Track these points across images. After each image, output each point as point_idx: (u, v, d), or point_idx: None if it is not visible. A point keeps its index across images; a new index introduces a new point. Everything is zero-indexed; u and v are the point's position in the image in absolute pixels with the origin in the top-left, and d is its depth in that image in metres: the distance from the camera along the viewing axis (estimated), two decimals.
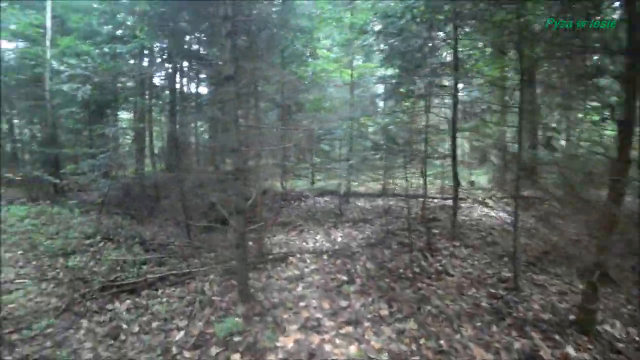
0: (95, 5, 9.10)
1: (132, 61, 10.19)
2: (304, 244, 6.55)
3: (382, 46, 7.98)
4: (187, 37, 8.42)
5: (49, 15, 8.99)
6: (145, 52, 10.21)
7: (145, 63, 10.60)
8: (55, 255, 5.68)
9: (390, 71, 9.39)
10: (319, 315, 4.09)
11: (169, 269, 5.30)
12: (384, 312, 4.12)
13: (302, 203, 9.54)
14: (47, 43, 8.86)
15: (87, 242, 6.17)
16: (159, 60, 10.54)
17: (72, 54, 8.52)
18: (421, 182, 8.52)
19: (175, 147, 8.39)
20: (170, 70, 10.41)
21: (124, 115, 12.43)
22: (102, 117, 9.82)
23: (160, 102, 11.06)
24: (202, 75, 10.83)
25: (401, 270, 5.19)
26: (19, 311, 4.22)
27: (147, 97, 10.25)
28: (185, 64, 10.35)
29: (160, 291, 4.71)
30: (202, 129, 11.37)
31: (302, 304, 4.33)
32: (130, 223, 7.52)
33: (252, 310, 4.05)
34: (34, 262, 5.46)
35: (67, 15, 9.18)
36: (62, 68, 8.83)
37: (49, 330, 3.92)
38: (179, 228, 7.17)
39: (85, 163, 7.54)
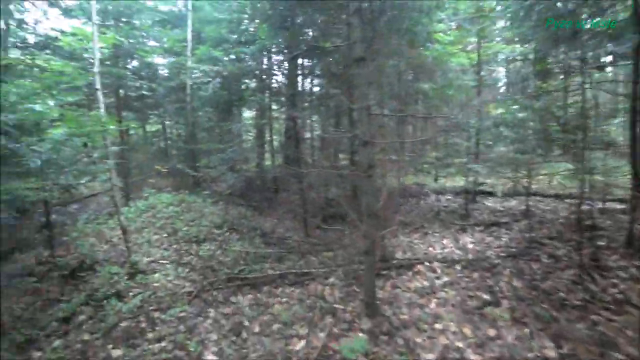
0: (224, 17, 9.93)
1: (253, 63, 10.91)
2: (430, 249, 5.63)
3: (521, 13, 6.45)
4: (306, 31, 8.37)
5: (189, 29, 10.25)
6: (265, 53, 10.74)
7: (264, 65, 11.19)
8: (190, 241, 6.18)
9: (523, 49, 7.70)
10: (460, 344, 3.29)
11: (288, 267, 5.14)
12: (550, 352, 3.10)
13: (422, 201, 8.51)
14: (188, 53, 10.09)
15: (216, 231, 6.58)
16: (277, 58, 10.99)
17: (206, 60, 9.49)
18: (573, 179, 6.61)
19: (292, 141, 8.47)
20: (287, 70, 10.71)
21: (247, 113, 13.52)
22: (229, 115, 10.75)
23: (279, 98, 11.59)
24: (317, 72, 10.82)
25: (562, 294, 3.94)
26: (161, 292, 4.59)
27: (267, 95, 10.78)
28: (299, 61, 10.47)
29: (280, 290, 4.54)
30: (315, 125, 11.43)
31: (437, 325, 3.55)
32: (252, 214, 7.85)
33: (380, 327, 3.44)
34: (174, 246, 6.04)
35: (202, 27, 10.30)
36: (199, 74, 10.01)
37: (182, 315, 4.10)
38: (296, 222, 7.11)
39: (215, 157, 8.22)
